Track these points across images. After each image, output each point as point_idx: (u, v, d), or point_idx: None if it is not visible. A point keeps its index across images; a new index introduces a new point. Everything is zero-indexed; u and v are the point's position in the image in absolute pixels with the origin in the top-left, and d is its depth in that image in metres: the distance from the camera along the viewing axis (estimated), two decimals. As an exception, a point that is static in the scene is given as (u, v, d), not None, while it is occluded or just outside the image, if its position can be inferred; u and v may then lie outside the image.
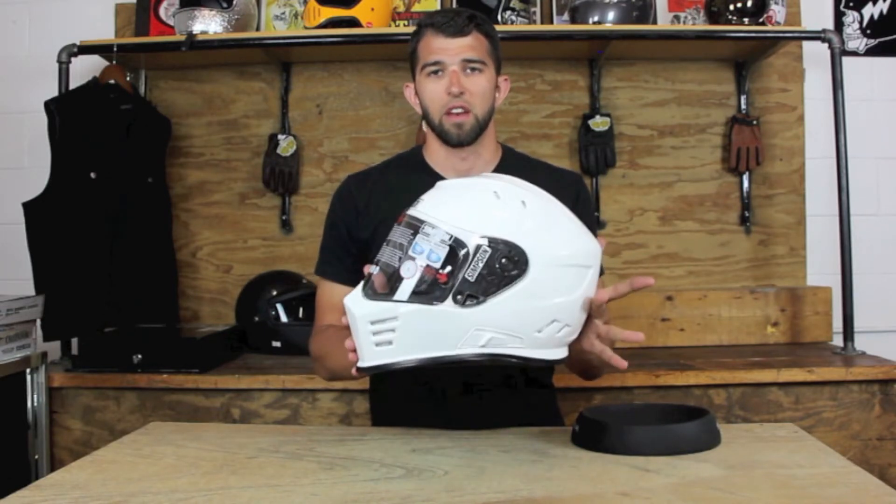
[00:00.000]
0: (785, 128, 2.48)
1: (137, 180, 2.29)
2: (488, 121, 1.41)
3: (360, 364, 1.04)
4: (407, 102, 2.59)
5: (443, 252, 0.99)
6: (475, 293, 0.99)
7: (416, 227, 1.01)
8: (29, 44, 2.54)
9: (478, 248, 0.99)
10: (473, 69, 1.37)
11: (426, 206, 1.04)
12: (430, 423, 1.32)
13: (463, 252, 0.99)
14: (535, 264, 1.01)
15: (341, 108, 2.51)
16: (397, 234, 1.03)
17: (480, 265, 0.99)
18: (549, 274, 1.02)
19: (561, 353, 1.08)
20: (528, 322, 1.02)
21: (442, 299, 0.99)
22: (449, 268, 0.99)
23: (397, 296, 0.99)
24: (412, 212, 1.04)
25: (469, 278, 0.99)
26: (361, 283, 1.05)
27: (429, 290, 0.99)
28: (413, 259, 0.99)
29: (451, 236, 0.99)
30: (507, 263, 0.99)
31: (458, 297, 0.99)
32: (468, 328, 1.00)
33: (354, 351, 1.06)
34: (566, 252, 1.04)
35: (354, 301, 1.03)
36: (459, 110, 1.37)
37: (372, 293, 1.02)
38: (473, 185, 1.07)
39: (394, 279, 1.00)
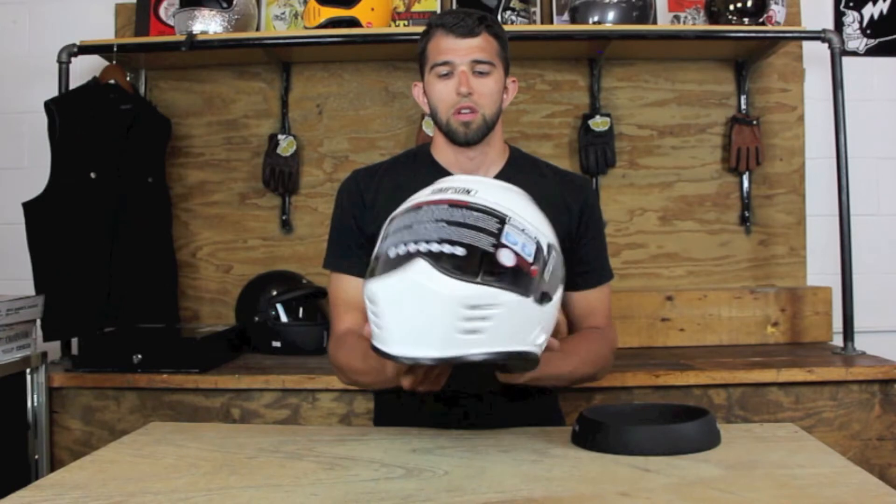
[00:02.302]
0: (785, 128, 2.48)
1: (137, 180, 2.29)
2: (496, 121, 1.41)
3: (425, 353, 0.93)
4: (407, 102, 2.61)
5: (532, 248, 0.97)
6: (548, 292, 1.00)
7: (500, 217, 0.97)
8: (29, 44, 2.54)
9: (550, 249, 1.00)
10: (482, 71, 1.37)
11: (489, 198, 0.99)
12: (432, 423, 1.32)
13: (543, 253, 0.99)
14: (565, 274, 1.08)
15: (341, 108, 2.51)
16: (471, 217, 0.96)
17: (551, 267, 1.00)
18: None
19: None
20: (554, 322, 1.07)
21: (528, 293, 0.96)
22: (535, 264, 0.97)
23: (493, 283, 0.93)
24: (478, 200, 0.98)
25: (546, 278, 0.99)
26: (420, 260, 0.93)
27: (524, 284, 0.95)
28: (508, 248, 0.95)
29: (536, 236, 0.99)
30: (561, 269, 1.04)
31: (539, 293, 0.98)
32: (536, 324, 1.00)
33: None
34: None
35: (434, 279, 0.92)
36: (467, 111, 1.37)
37: (458, 273, 0.92)
38: (520, 192, 1.08)
39: (488, 264, 0.93)
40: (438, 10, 2.43)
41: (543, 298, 0.98)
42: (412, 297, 0.93)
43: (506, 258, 0.94)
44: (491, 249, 0.94)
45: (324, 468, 1.10)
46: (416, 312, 0.93)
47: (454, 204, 0.98)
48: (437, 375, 1.12)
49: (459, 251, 0.93)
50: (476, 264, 0.93)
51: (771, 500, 0.95)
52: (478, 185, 1.03)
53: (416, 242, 0.94)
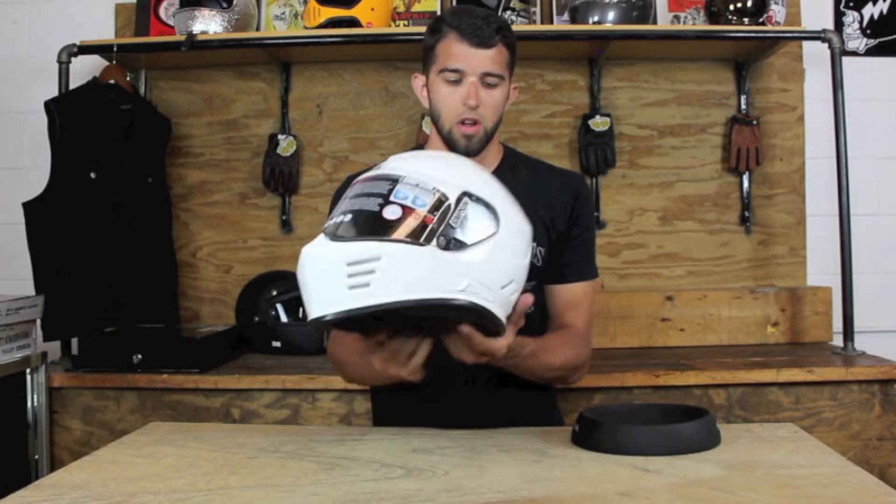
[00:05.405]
0: (785, 128, 2.48)
1: (137, 180, 2.29)
2: (496, 131, 1.41)
3: (324, 311, 0.98)
4: (407, 102, 2.60)
5: (429, 199, 1.00)
6: (459, 239, 1.00)
7: (394, 179, 1.01)
8: (29, 44, 2.54)
9: (460, 199, 1.02)
10: (492, 83, 1.36)
11: (398, 164, 1.05)
12: (431, 422, 1.32)
13: (447, 202, 1.01)
14: (503, 226, 1.04)
15: (341, 108, 2.51)
16: (368, 186, 1.01)
17: (463, 216, 1.02)
18: (512, 237, 1.06)
19: (505, 316, 1.09)
20: (497, 275, 1.05)
21: (426, 241, 0.98)
22: (431, 213, 1.00)
23: (380, 236, 0.97)
24: (384, 170, 1.04)
25: (453, 225, 1.01)
26: (321, 235, 1.00)
27: (413, 233, 0.98)
28: (397, 203, 0.99)
29: (435, 188, 1.01)
30: (487, 216, 1.04)
31: (442, 239, 0.99)
32: (450, 271, 1.00)
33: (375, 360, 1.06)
34: (521, 223, 1.10)
35: (320, 245, 0.98)
36: (471, 122, 1.36)
37: (343, 237, 0.98)
38: (446, 155, 1.12)
39: (372, 222, 0.98)
40: (438, 11, 2.43)
41: (452, 245, 1.00)
42: (309, 266, 0.99)
43: (390, 213, 0.99)
44: (376, 209, 0.99)
45: (324, 468, 1.10)
46: (313, 278, 0.99)
47: (364, 180, 1.04)
48: (409, 356, 1.10)
49: (347, 217, 0.99)
50: (360, 225, 0.98)
51: (771, 500, 0.95)
52: (395, 159, 1.08)
53: (329, 220, 1.03)
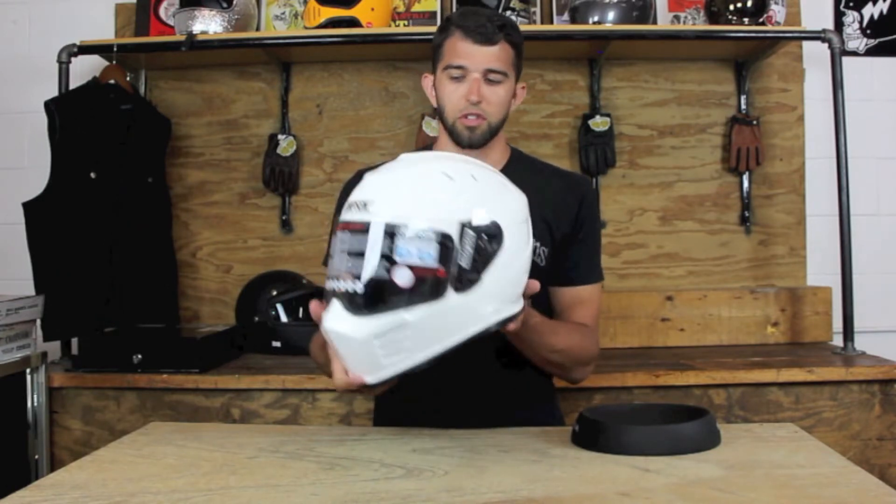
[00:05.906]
0: (785, 128, 2.48)
1: (137, 180, 2.29)
2: (501, 127, 1.43)
3: (372, 379, 1.02)
4: (407, 102, 2.60)
5: (432, 249, 0.97)
6: (471, 276, 1.00)
7: (390, 232, 0.97)
8: (29, 44, 2.54)
9: (461, 234, 0.99)
10: (495, 80, 1.37)
11: (384, 209, 0.99)
12: (431, 422, 1.32)
13: (451, 245, 0.98)
14: (506, 230, 1.03)
15: (341, 108, 2.51)
16: (365, 242, 0.98)
17: (469, 249, 0.99)
18: (515, 234, 1.05)
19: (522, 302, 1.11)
20: (515, 281, 1.06)
21: (443, 293, 0.97)
22: (441, 264, 0.97)
23: (399, 305, 0.96)
24: (372, 218, 0.99)
25: (463, 265, 0.99)
26: (336, 302, 0.99)
27: (431, 292, 0.97)
28: (402, 265, 0.96)
29: (434, 230, 0.98)
30: (488, 240, 1.01)
31: (458, 284, 0.98)
32: (474, 306, 1.01)
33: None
34: (516, 210, 1.08)
35: (344, 322, 0.99)
36: (474, 117, 1.38)
37: (361, 308, 0.98)
38: (420, 173, 1.05)
39: (387, 291, 0.96)
40: (438, 11, 2.43)
41: (466, 285, 0.99)
42: (337, 340, 1.02)
43: (401, 278, 0.96)
44: (385, 275, 0.96)
45: (324, 468, 1.10)
46: (347, 354, 1.03)
47: (353, 229, 1.00)
48: None
49: (359, 287, 0.97)
50: (377, 295, 0.97)
51: (771, 500, 0.95)
52: (375, 191, 1.03)
53: (335, 279, 1.00)
